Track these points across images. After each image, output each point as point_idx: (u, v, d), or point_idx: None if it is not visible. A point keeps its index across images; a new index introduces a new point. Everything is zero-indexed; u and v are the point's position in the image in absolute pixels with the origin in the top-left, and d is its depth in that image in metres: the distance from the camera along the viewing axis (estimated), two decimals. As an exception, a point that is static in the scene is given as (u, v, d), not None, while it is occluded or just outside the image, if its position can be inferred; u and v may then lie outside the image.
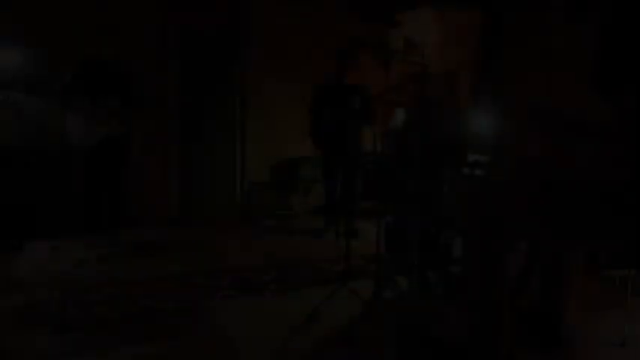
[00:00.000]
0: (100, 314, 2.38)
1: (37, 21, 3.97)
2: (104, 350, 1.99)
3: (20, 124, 3.74)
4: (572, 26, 1.35)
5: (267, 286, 2.86)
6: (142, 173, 4.59)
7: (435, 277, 2.59)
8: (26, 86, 3.85)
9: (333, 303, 2.28)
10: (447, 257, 2.57)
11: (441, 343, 1.90)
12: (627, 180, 1.21)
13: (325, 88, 4.11)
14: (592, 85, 1.27)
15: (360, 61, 4.14)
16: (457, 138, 2.94)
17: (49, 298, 2.56)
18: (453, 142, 2.88)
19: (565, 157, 1.40)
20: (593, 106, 1.31)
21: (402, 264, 2.60)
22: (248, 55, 5.07)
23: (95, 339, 2.11)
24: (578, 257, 1.98)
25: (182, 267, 3.24)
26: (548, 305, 1.98)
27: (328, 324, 2.19)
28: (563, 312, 1.93)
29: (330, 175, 4.24)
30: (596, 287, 2.64)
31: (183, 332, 2.16)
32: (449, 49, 4.98)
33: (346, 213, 3.80)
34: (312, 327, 2.18)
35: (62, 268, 3.15)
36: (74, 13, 4.01)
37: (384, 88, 2.45)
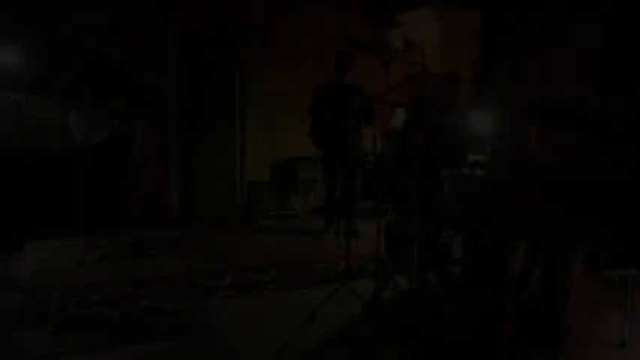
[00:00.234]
0: (100, 314, 2.38)
1: (38, 21, 3.97)
2: (104, 350, 1.99)
3: (20, 124, 3.73)
4: (572, 26, 1.35)
5: (267, 286, 2.86)
6: (142, 173, 4.60)
7: (435, 277, 2.59)
8: (26, 86, 3.85)
9: (333, 303, 2.28)
10: (447, 257, 2.57)
11: (441, 343, 1.90)
12: (627, 180, 1.21)
13: (325, 88, 4.11)
14: (593, 84, 1.27)
15: (359, 61, 4.14)
16: (457, 138, 2.94)
17: (49, 298, 2.56)
18: (453, 142, 2.88)
19: (565, 157, 1.40)
20: (594, 105, 1.31)
21: (402, 264, 2.60)
22: (248, 55, 5.07)
23: (95, 339, 2.11)
24: (579, 257, 1.98)
25: (182, 267, 3.24)
26: (548, 305, 1.98)
27: (328, 324, 2.19)
28: (563, 312, 1.93)
29: (330, 175, 4.24)
30: (596, 287, 2.64)
31: (183, 332, 2.16)
32: (449, 49, 4.99)
33: (346, 213, 3.80)
34: (312, 327, 2.18)
35: (62, 268, 3.15)
36: (74, 13, 4.01)
37: (384, 88, 2.44)
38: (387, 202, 3.59)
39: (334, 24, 5.20)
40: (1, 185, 3.66)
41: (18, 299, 2.55)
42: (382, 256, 2.70)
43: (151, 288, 2.77)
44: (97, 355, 1.96)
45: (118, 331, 2.18)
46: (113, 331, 2.19)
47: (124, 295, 2.64)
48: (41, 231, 3.82)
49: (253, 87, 5.12)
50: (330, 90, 4.07)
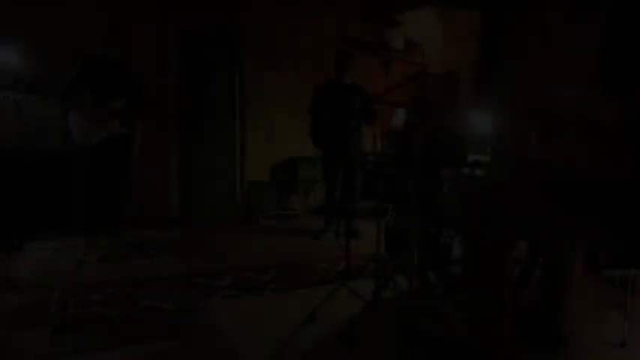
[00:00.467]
0: (100, 314, 2.38)
1: (38, 21, 3.97)
2: (104, 350, 1.99)
3: (20, 124, 3.73)
4: (572, 26, 1.35)
5: (267, 286, 2.86)
6: (142, 173, 4.60)
7: (435, 277, 2.59)
8: (26, 86, 3.85)
9: (333, 303, 2.28)
10: (447, 257, 2.57)
11: (441, 343, 1.90)
12: (628, 180, 1.21)
13: (325, 88, 4.11)
14: (593, 84, 1.27)
15: (359, 61, 4.14)
16: (457, 138, 2.94)
17: (49, 298, 2.56)
18: (453, 142, 2.88)
19: (565, 157, 1.40)
20: (594, 106, 1.31)
21: (402, 264, 2.60)
22: (248, 55, 5.07)
23: (95, 339, 2.10)
24: (579, 257, 1.98)
25: (182, 267, 3.24)
26: (548, 305, 1.98)
27: (328, 324, 2.19)
28: (563, 312, 1.93)
29: (330, 175, 4.24)
30: (596, 287, 2.64)
31: (183, 332, 2.16)
32: (449, 49, 4.99)
33: (346, 213, 3.80)
34: (312, 327, 2.18)
35: (62, 268, 3.15)
36: (74, 13, 4.01)
37: (384, 88, 2.44)
38: (387, 202, 3.59)
39: (334, 24, 5.20)
40: (1, 185, 3.67)
41: (18, 299, 2.55)
42: (382, 256, 2.69)
43: (151, 288, 2.77)
44: (97, 355, 1.96)
45: (118, 331, 2.18)
46: (113, 331, 2.19)
47: (124, 295, 2.64)
48: (41, 231, 3.82)
49: (253, 87, 5.13)
50: (330, 90, 4.07)
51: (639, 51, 1.20)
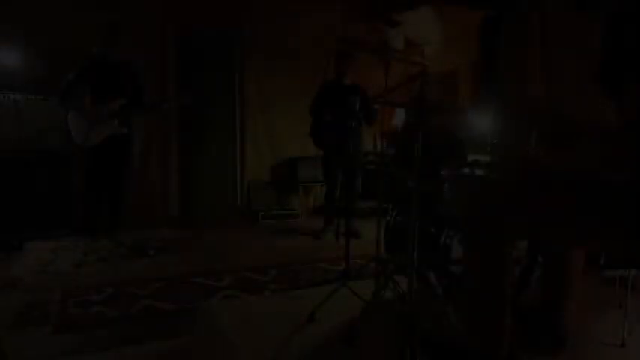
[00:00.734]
0: (100, 314, 2.38)
1: (38, 21, 3.97)
2: (104, 350, 1.99)
3: (20, 124, 3.73)
4: (572, 26, 1.35)
5: (267, 286, 2.86)
6: (142, 173, 4.60)
7: (435, 277, 2.59)
8: (26, 86, 3.85)
9: (333, 303, 2.27)
10: (447, 257, 2.57)
11: (441, 343, 1.90)
12: (628, 180, 1.21)
13: (325, 88, 4.11)
14: (594, 84, 1.27)
15: (359, 61, 4.14)
16: (457, 138, 2.94)
17: (49, 298, 2.56)
18: (453, 142, 2.88)
19: (565, 157, 1.40)
20: (594, 106, 1.31)
21: (402, 264, 2.60)
22: (248, 55, 5.07)
23: (95, 339, 2.10)
24: (579, 257, 1.98)
25: (182, 267, 3.24)
26: (548, 305, 1.97)
27: (328, 324, 2.19)
28: (563, 312, 1.93)
29: (330, 175, 4.24)
30: (596, 287, 2.64)
31: (184, 332, 2.16)
32: (449, 48, 4.98)
33: (346, 213, 3.80)
34: (312, 327, 2.18)
35: (62, 268, 3.15)
36: (74, 13, 4.01)
37: (384, 88, 2.44)
38: (387, 202, 3.58)
39: (334, 24, 5.19)
40: (1, 185, 3.66)
41: (18, 299, 2.55)
42: (382, 256, 2.69)
43: (151, 288, 2.76)
44: (97, 355, 1.96)
45: (118, 331, 2.18)
46: (113, 331, 2.19)
47: (124, 295, 2.64)
48: (41, 231, 3.81)
49: (253, 87, 5.12)
50: (330, 90, 4.07)
51: (639, 51, 1.20)
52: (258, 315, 2.37)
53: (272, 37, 5.08)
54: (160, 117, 4.54)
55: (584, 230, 1.37)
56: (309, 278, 3.02)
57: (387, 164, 3.58)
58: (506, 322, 1.55)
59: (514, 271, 2.33)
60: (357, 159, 4.26)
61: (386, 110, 5.15)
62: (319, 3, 5.23)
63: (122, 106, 3.52)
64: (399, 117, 5.53)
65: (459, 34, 4.90)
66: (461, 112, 3.22)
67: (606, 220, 1.28)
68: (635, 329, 2.09)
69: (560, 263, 1.94)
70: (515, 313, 1.63)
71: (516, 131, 1.65)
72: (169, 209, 4.82)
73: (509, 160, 1.79)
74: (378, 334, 2.08)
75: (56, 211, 3.90)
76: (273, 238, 4.30)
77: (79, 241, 3.65)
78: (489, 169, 2.73)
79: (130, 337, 2.11)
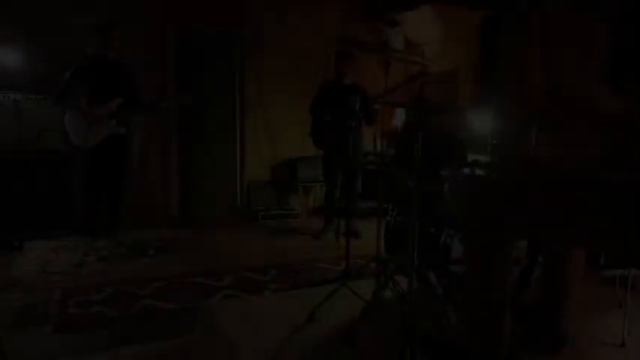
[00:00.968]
0: (100, 314, 2.38)
1: (38, 21, 3.97)
2: (104, 350, 1.99)
3: (20, 124, 3.73)
4: (572, 25, 1.35)
5: (267, 286, 2.87)
6: (142, 173, 4.60)
7: (435, 277, 2.59)
8: (26, 86, 3.85)
9: (333, 303, 2.27)
10: (447, 257, 2.57)
11: (441, 343, 1.90)
12: (628, 180, 1.21)
13: (325, 88, 4.11)
14: (597, 83, 1.27)
15: (359, 61, 4.14)
16: (457, 138, 2.94)
17: (49, 298, 2.56)
18: (453, 142, 2.88)
19: (565, 156, 1.40)
20: (594, 106, 1.31)
21: (402, 264, 2.60)
22: (248, 55, 5.07)
23: (95, 339, 2.11)
24: (579, 257, 1.98)
25: (182, 267, 3.24)
26: (548, 305, 1.97)
27: (328, 324, 2.19)
28: (563, 312, 1.93)
29: (330, 175, 4.24)
30: (596, 287, 2.64)
31: (184, 332, 2.16)
32: (449, 49, 4.99)
33: (346, 213, 3.80)
34: (312, 327, 2.18)
35: (62, 268, 3.15)
36: (74, 13, 4.01)
37: (384, 88, 2.45)
38: (387, 202, 3.58)
39: (334, 24, 5.19)
40: (1, 185, 3.67)
41: (18, 299, 2.55)
42: (382, 256, 2.69)
43: (151, 288, 2.76)
44: (97, 355, 1.96)
45: (118, 331, 2.18)
46: (113, 331, 2.19)
47: (124, 295, 2.64)
48: (41, 231, 3.82)
49: (253, 87, 5.12)
50: (330, 90, 4.07)
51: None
52: (258, 315, 2.37)
53: (272, 37, 5.08)
54: (159, 116, 4.54)
55: (584, 230, 1.37)
56: (309, 278, 3.02)
57: (387, 164, 3.58)
58: (506, 322, 1.55)
59: (514, 271, 2.33)
60: (357, 159, 4.26)
61: (386, 110, 5.15)
62: (319, 3, 5.23)
63: (119, 106, 3.51)
64: (399, 117, 5.53)
65: (459, 34, 4.90)
66: (461, 112, 3.22)
67: (606, 220, 1.28)
68: (635, 329, 2.09)
69: (560, 263, 1.94)
70: (515, 313, 1.63)
71: (516, 131, 1.65)
72: (169, 209, 4.83)
73: (509, 160, 1.79)
74: (378, 334, 2.08)
75: (56, 211, 3.90)
76: (273, 238, 4.30)
77: (79, 241, 3.65)
78: (489, 169, 2.73)
79: (130, 337, 2.11)
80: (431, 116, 2.44)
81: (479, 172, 2.76)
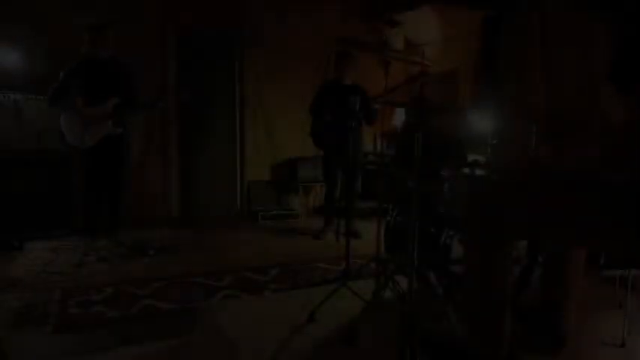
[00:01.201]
0: (100, 314, 2.38)
1: (37, 20, 3.97)
2: (104, 350, 1.99)
3: (20, 124, 3.73)
4: (573, 25, 1.35)
5: (267, 286, 2.86)
6: (142, 173, 4.60)
7: (435, 277, 2.59)
8: (26, 86, 3.85)
9: (333, 303, 2.27)
10: (447, 257, 2.57)
11: (441, 343, 1.90)
12: (628, 180, 1.21)
13: (325, 88, 4.11)
14: (600, 85, 1.27)
15: (359, 61, 4.14)
16: (457, 138, 2.94)
17: (49, 298, 2.56)
18: (453, 142, 2.88)
19: (565, 157, 1.40)
20: (594, 106, 1.31)
21: (402, 264, 2.60)
22: (247, 55, 5.07)
23: (95, 339, 2.11)
24: (579, 257, 1.98)
25: (182, 267, 3.24)
26: (548, 305, 1.97)
27: (328, 324, 2.19)
28: (563, 312, 1.93)
29: (330, 175, 4.24)
30: (596, 287, 2.64)
31: (184, 332, 2.16)
32: (449, 49, 4.99)
33: (346, 213, 3.80)
34: (312, 327, 2.18)
35: (62, 268, 3.15)
36: (74, 13, 4.01)
37: (384, 88, 2.45)
38: (387, 202, 3.58)
39: (334, 24, 5.19)
40: (1, 185, 3.67)
41: (18, 299, 2.55)
42: (382, 256, 2.69)
43: (151, 288, 2.76)
44: (97, 355, 1.96)
45: (118, 331, 2.18)
46: (113, 331, 2.19)
47: (124, 295, 2.64)
48: (41, 231, 3.82)
49: (253, 87, 5.12)
50: (330, 90, 4.07)
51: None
52: (258, 315, 2.37)
53: (272, 37, 5.08)
54: (157, 116, 4.54)
55: (584, 230, 1.36)
56: (309, 278, 3.02)
57: (387, 164, 3.58)
58: (506, 322, 1.55)
59: (514, 271, 2.33)
60: (357, 159, 4.26)
61: (386, 110, 5.15)
62: (319, 3, 5.24)
63: (116, 106, 3.50)
64: (399, 117, 5.53)
65: (459, 34, 4.90)
66: (461, 112, 3.22)
67: (606, 220, 1.28)
68: (635, 329, 2.09)
69: (560, 263, 1.94)
70: (515, 313, 1.63)
71: (516, 131, 1.65)
72: (169, 209, 4.83)
73: (509, 160, 1.79)
74: (378, 334, 2.08)
75: (56, 211, 3.90)
76: (273, 238, 4.30)
77: (79, 241, 3.65)
78: (489, 169, 2.73)
79: (130, 337, 2.11)
80: (431, 116, 2.44)
81: (479, 172, 2.76)
